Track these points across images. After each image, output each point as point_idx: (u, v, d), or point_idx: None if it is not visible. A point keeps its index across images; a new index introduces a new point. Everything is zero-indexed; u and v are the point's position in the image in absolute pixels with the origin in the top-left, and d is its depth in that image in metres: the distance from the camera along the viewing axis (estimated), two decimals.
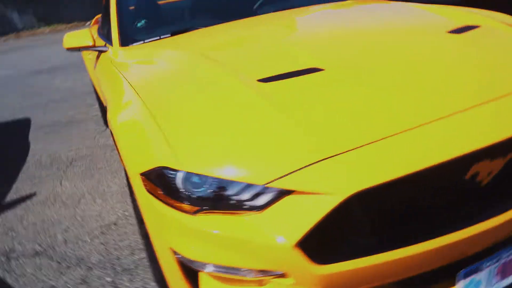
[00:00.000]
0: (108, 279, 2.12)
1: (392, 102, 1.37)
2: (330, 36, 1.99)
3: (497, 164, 1.30)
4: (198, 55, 1.94)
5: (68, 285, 2.11)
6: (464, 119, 1.29)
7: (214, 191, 1.27)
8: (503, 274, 1.41)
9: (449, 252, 1.28)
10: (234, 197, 1.26)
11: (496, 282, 1.41)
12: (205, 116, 1.43)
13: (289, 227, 1.19)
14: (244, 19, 2.57)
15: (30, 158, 3.92)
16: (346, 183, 1.16)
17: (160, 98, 1.61)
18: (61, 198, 3.05)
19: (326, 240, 1.22)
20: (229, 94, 1.51)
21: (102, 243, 2.41)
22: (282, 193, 1.21)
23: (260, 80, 1.53)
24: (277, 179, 1.21)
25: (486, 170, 1.29)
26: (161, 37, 2.49)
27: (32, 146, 4.24)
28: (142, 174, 1.41)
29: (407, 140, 1.24)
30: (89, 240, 2.46)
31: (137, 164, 1.44)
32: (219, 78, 1.63)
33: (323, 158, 1.21)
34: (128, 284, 2.05)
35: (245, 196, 1.25)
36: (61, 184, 3.28)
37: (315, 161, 1.21)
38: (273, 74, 1.56)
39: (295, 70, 1.58)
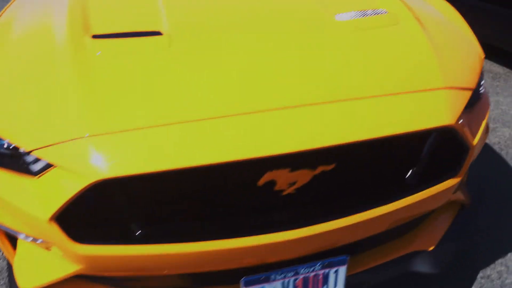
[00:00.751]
0: None
1: (206, 86, 1.23)
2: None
3: (301, 176, 1.16)
4: None
5: None
6: (256, 121, 1.14)
7: (3, 147, 1.22)
8: None
9: (230, 256, 1.19)
10: (24, 157, 1.19)
11: None
12: (14, 65, 1.34)
13: (47, 200, 1.13)
14: None
15: None
16: (99, 166, 1.07)
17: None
18: None
19: (89, 221, 1.15)
20: (49, 48, 1.38)
21: None
22: (50, 164, 1.14)
23: (94, 36, 1.39)
24: (40, 148, 1.13)
25: (285, 180, 1.16)
26: None
27: None
28: None
29: (190, 131, 1.12)
30: None
31: None
32: (58, 27, 1.49)
33: (88, 135, 1.11)
34: None
35: (29, 158, 1.18)
36: None
37: (78, 137, 1.11)
38: (112, 32, 1.42)
39: (137, 30, 1.43)
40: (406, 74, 1.31)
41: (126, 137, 1.11)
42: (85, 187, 1.07)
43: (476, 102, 1.47)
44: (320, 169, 1.17)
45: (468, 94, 1.35)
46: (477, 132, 1.41)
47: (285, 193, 1.18)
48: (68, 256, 1.20)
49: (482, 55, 1.55)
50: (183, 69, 1.28)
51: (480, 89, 1.54)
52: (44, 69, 1.30)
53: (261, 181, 1.14)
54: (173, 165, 1.07)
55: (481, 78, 1.53)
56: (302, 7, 1.62)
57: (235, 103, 1.17)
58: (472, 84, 1.38)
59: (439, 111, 1.24)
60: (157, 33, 1.40)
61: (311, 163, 1.15)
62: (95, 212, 1.14)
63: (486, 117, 1.51)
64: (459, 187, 1.45)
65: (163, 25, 1.45)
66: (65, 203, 1.09)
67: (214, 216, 1.18)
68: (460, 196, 1.56)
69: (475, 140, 1.38)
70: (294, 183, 1.17)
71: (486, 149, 2.53)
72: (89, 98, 1.18)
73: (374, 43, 1.42)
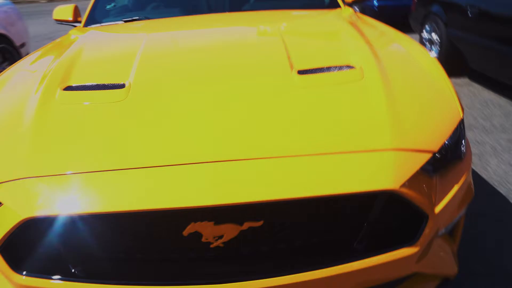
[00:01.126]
0: None
1: (143, 137, 1.29)
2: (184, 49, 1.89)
3: (226, 230, 1.15)
4: (76, 50, 1.97)
5: None
6: (189, 172, 1.17)
7: None
8: None
9: None
10: None
11: None
12: None
13: None
14: (198, 15, 2.52)
15: None
16: (31, 206, 1.15)
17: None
18: None
19: (31, 254, 1.22)
20: (26, 98, 1.54)
21: None
22: None
23: (65, 89, 1.55)
24: None
25: (210, 233, 1.15)
26: (111, 23, 2.57)
27: None
28: None
29: (118, 179, 1.17)
30: None
31: None
32: (40, 80, 1.66)
33: (26, 176, 1.20)
34: None
35: None
36: None
37: (18, 178, 1.21)
38: (83, 84, 1.56)
39: (105, 83, 1.56)
40: (353, 133, 1.27)
41: (59, 180, 1.18)
42: (17, 224, 1.15)
43: (445, 165, 1.37)
44: (247, 225, 1.15)
45: (425, 157, 1.26)
46: (443, 198, 1.31)
47: (213, 245, 1.17)
48: (12, 285, 1.27)
49: (460, 114, 1.45)
50: (128, 120, 1.36)
51: (457, 150, 1.43)
52: (17, 117, 1.45)
53: (186, 232, 1.15)
54: (98, 209, 1.12)
55: (457, 138, 1.42)
56: (268, 61, 1.66)
57: (165, 154, 1.22)
58: (433, 147, 1.29)
59: (380, 173, 1.17)
60: (121, 86, 1.51)
61: (236, 218, 1.14)
62: (37, 247, 1.21)
63: (462, 181, 1.39)
64: (423, 257, 1.33)
65: (129, 78, 1.57)
66: (3, 237, 1.17)
67: (144, 260, 1.20)
68: (437, 267, 1.42)
69: (438, 207, 1.28)
70: (221, 237, 1.16)
71: None
72: (38, 144, 1.30)
73: (329, 99, 1.40)
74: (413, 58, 1.74)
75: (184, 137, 1.27)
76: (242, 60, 1.70)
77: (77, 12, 2.89)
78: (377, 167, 1.19)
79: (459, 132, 1.46)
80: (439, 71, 1.64)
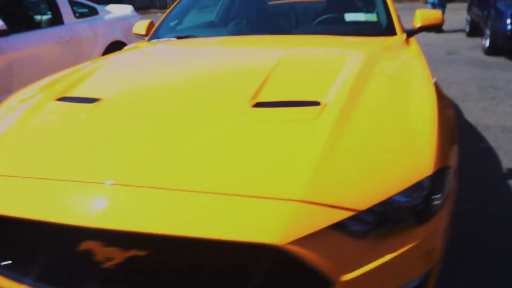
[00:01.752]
0: None
1: (82, 151, 1.36)
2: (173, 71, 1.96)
3: (114, 253, 1.17)
4: (102, 63, 2.15)
5: None
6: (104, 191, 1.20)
7: None
8: None
9: None
10: None
11: None
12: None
13: None
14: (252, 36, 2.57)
15: None
16: None
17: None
18: None
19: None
20: (26, 106, 1.73)
21: None
22: None
23: (57, 99, 1.71)
24: None
25: (101, 254, 1.18)
26: (166, 39, 2.76)
27: None
28: None
29: (31, 187, 1.26)
30: None
31: None
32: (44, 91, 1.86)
33: None
34: None
35: None
36: None
37: None
38: (72, 96, 1.71)
39: (88, 96, 1.68)
40: (269, 176, 1.17)
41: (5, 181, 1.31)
42: None
43: (385, 227, 1.17)
44: (132, 252, 1.14)
45: (341, 215, 1.09)
46: (361, 266, 1.12)
47: (104, 266, 1.19)
48: None
49: (430, 170, 1.21)
50: (76, 133, 1.45)
51: (416, 211, 1.20)
52: (12, 121, 1.65)
53: (82, 247, 1.19)
54: (26, 214, 1.21)
55: (421, 198, 1.21)
56: (236, 91, 1.62)
57: (77, 169, 1.27)
58: (359, 205, 1.11)
59: (271, 225, 1.06)
60: (94, 101, 1.63)
61: (121, 244, 1.15)
62: None
63: (407, 248, 1.17)
64: None
65: (107, 95, 1.67)
66: None
67: (61, 267, 1.28)
68: None
69: (352, 275, 1.10)
70: (111, 259, 1.17)
71: None
72: (4, 145, 1.46)
73: (266, 137, 1.31)
74: (407, 102, 1.49)
75: (104, 157, 1.31)
76: (217, 88, 1.70)
77: (150, 27, 3.17)
78: (272, 217, 1.08)
79: (426, 192, 1.22)
80: (430, 121, 1.38)
